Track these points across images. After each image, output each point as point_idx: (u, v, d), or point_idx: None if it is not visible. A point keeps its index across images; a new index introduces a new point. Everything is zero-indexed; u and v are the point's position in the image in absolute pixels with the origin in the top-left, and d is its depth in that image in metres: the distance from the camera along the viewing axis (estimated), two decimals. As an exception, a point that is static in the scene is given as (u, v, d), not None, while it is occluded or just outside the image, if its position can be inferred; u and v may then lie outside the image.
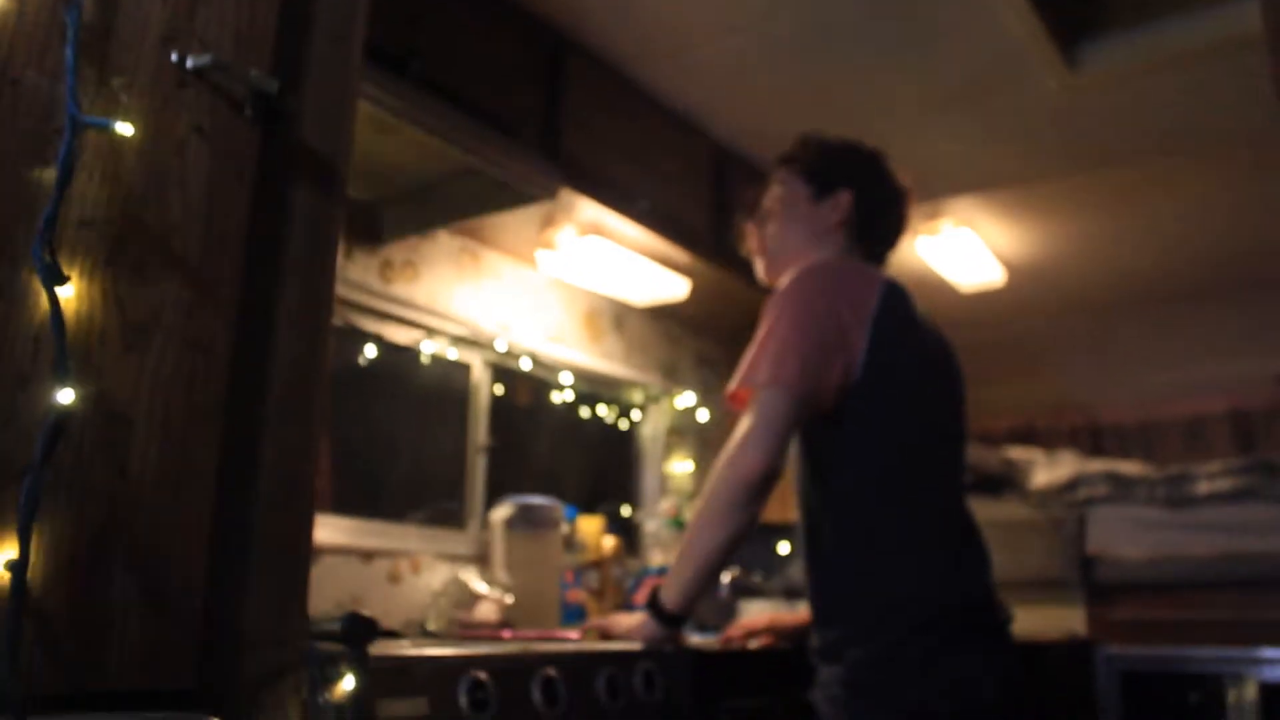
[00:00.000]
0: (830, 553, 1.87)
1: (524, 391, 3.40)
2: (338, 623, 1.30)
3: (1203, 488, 3.68)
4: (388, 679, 1.40)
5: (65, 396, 0.94)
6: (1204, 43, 2.67)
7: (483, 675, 1.53)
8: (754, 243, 2.19)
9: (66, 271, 0.99)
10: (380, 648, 1.44)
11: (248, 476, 1.18)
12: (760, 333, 1.88)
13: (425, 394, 3.03)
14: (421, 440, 3.03)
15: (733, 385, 1.89)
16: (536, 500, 2.87)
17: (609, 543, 3.21)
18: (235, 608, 1.16)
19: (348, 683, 1.27)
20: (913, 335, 1.94)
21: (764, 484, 1.77)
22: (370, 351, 2.80)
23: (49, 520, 0.97)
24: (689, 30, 2.75)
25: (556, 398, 3.47)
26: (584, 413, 3.63)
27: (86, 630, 0.99)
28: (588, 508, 3.27)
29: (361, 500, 2.74)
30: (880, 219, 2.11)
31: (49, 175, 1.00)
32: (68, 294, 1.00)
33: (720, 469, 1.80)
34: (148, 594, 1.04)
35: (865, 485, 1.84)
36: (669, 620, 1.88)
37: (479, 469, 3.11)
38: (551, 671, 1.66)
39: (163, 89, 1.12)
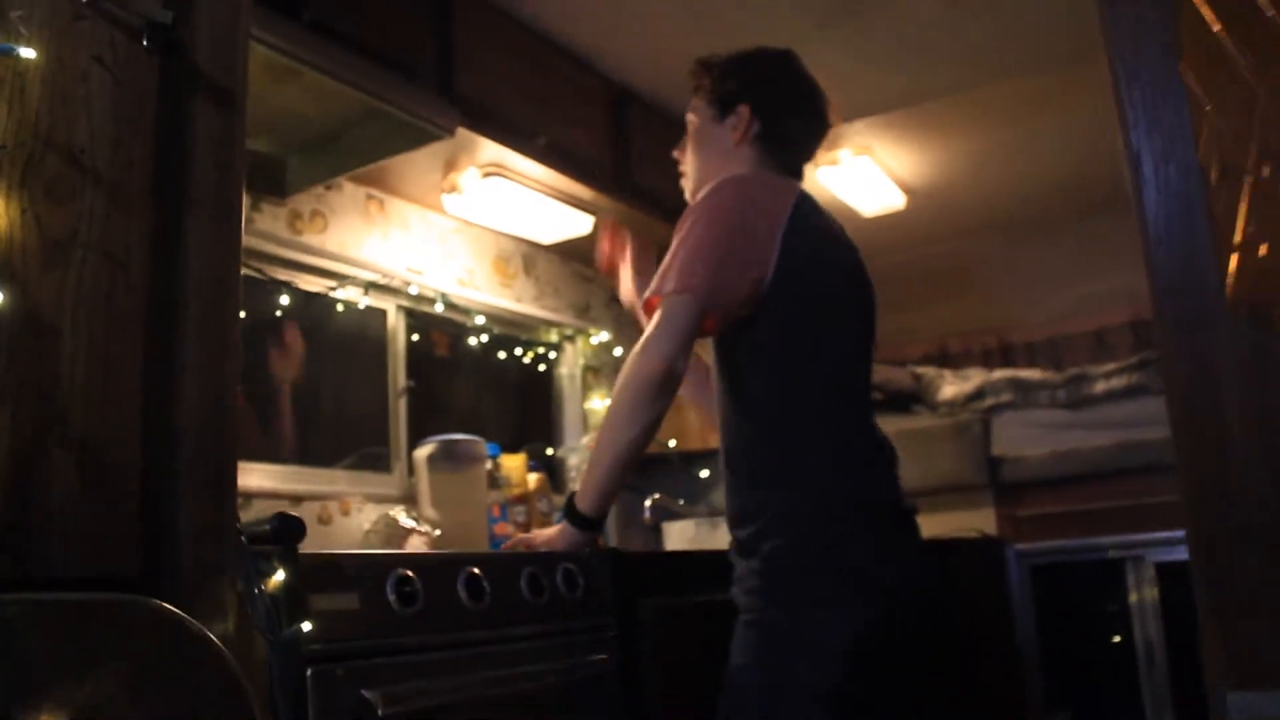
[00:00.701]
0: (745, 454, 1.95)
1: (441, 341, 3.48)
2: (268, 523, 1.39)
3: (1099, 387, 3.89)
4: (318, 576, 1.49)
5: (-5, 298, 1.02)
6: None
7: (409, 572, 1.63)
8: (681, 164, 2.24)
9: (-16, 191, 1.07)
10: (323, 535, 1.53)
11: (172, 383, 1.26)
12: (672, 244, 1.93)
13: (343, 342, 3.10)
14: (342, 387, 3.10)
15: (646, 294, 1.95)
16: (458, 437, 2.96)
17: (533, 478, 3.31)
18: (170, 505, 1.24)
19: (279, 577, 1.37)
20: (825, 246, 2.01)
21: (665, 382, 1.83)
22: (284, 300, 2.86)
23: (-12, 420, 1.05)
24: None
25: (472, 341, 3.56)
26: (501, 355, 3.72)
27: (31, 518, 1.08)
28: (512, 448, 3.37)
29: (287, 447, 2.81)
30: (786, 125, 2.11)
31: (-41, 104, 1.07)
32: (-14, 213, 1.07)
33: (624, 371, 1.87)
34: (87, 487, 1.13)
35: (777, 389, 1.92)
36: (586, 524, 1.93)
37: (401, 412, 3.20)
38: (475, 570, 1.76)
39: (60, 21, 1.19)
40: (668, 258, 1.92)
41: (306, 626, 1.37)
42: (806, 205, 1.99)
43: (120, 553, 1.17)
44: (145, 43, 1.27)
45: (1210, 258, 1.30)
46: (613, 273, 2.48)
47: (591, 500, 1.92)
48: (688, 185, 2.21)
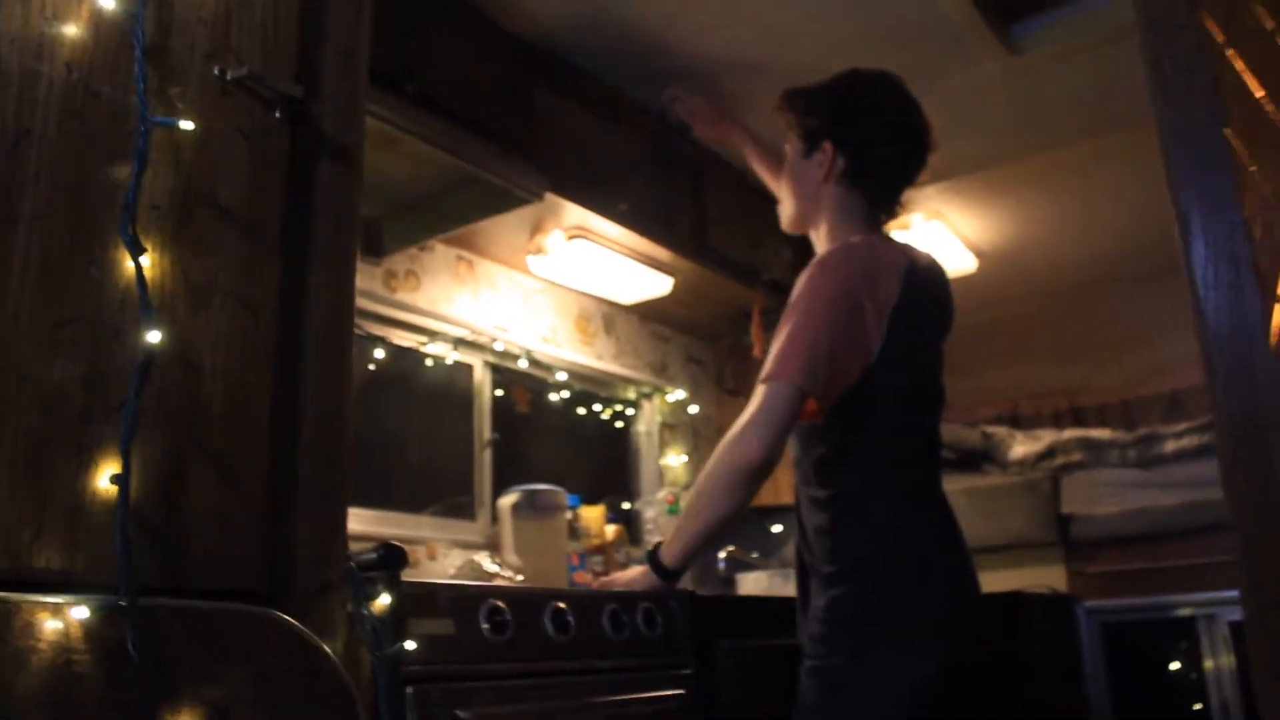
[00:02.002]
0: (819, 512, 1.99)
1: (523, 398, 3.61)
2: (374, 552, 1.52)
3: (1169, 447, 3.90)
4: (417, 601, 1.61)
5: (153, 337, 1.17)
6: (1132, 18, 2.88)
7: (501, 604, 1.75)
8: (777, 193, 2.27)
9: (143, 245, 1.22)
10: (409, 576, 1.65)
11: (294, 419, 1.40)
12: (782, 322, 1.94)
13: (432, 395, 3.25)
14: (430, 438, 3.25)
15: (761, 376, 1.93)
16: (541, 487, 3.08)
17: (611, 529, 3.41)
18: (288, 530, 1.38)
19: (384, 600, 1.49)
20: (928, 319, 2.05)
21: (762, 470, 1.86)
22: (378, 354, 3.02)
23: (141, 445, 1.19)
24: (661, 35, 2.98)
25: (554, 397, 3.69)
26: (580, 411, 3.84)
27: (176, 532, 1.21)
28: (591, 501, 3.47)
29: (378, 494, 2.95)
30: (875, 157, 2.07)
31: (125, 168, 1.23)
32: (146, 264, 1.22)
33: (724, 449, 1.89)
34: (222, 507, 1.27)
35: (862, 459, 1.96)
36: (666, 575, 2.01)
37: (485, 463, 3.33)
38: (561, 605, 1.87)
39: (209, 96, 1.35)
40: (778, 338, 1.93)
41: (410, 645, 1.50)
42: (913, 276, 1.99)
43: (247, 569, 1.31)
44: (278, 114, 1.43)
45: (1256, 309, 1.38)
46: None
47: (676, 558, 1.99)
48: (783, 213, 2.23)
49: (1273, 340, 1.37)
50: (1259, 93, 1.42)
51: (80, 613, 1.09)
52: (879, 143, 2.08)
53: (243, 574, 1.30)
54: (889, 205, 2.14)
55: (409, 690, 1.54)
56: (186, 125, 1.28)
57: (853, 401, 1.94)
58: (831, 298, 1.92)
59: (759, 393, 1.90)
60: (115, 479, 1.14)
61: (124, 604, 1.11)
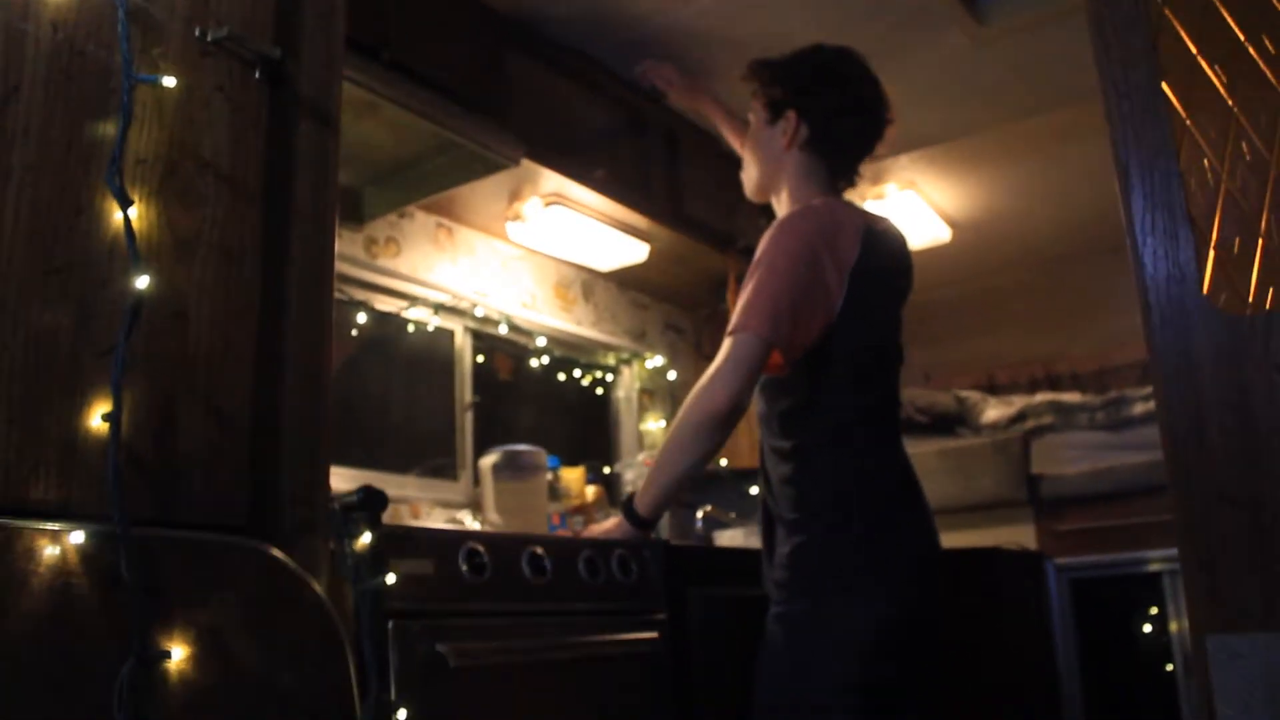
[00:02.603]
0: (782, 463, 2.07)
1: (504, 365, 3.68)
2: (356, 494, 1.59)
3: (1138, 409, 3.99)
4: (398, 542, 1.68)
5: (142, 283, 1.23)
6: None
7: (479, 546, 1.82)
8: (740, 157, 2.35)
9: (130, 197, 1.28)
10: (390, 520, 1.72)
11: (277, 364, 1.46)
12: (747, 278, 2.02)
13: (413, 359, 3.32)
14: (412, 401, 3.32)
15: (728, 329, 2.00)
16: (522, 448, 3.15)
17: (591, 490, 3.49)
18: (273, 470, 1.44)
19: (365, 539, 1.56)
20: (887, 280, 2.12)
21: (729, 417, 1.93)
22: (361, 319, 3.08)
23: (132, 386, 1.25)
24: (632, 5, 3.04)
25: (534, 363, 3.76)
26: (561, 377, 3.91)
27: (168, 466, 1.28)
28: (571, 464, 3.55)
29: (363, 455, 3.02)
30: (837, 128, 2.16)
31: (111, 124, 1.29)
32: (133, 215, 1.28)
33: (691, 399, 1.97)
34: (210, 444, 1.34)
35: (824, 413, 2.04)
36: (640, 523, 2.09)
37: (467, 425, 3.40)
38: (538, 550, 1.95)
39: (190, 57, 1.41)
40: (744, 292, 2.00)
41: (390, 579, 1.57)
42: (872, 238, 2.07)
43: (234, 506, 1.37)
44: (257, 75, 1.49)
45: (1191, 256, 1.46)
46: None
47: (648, 506, 2.07)
48: (746, 179, 2.31)
49: (1206, 286, 1.45)
50: (1194, 49, 1.49)
51: (76, 538, 1.16)
52: (840, 114, 2.17)
53: (230, 510, 1.36)
54: (848, 173, 2.22)
55: (390, 624, 1.61)
56: (169, 82, 1.34)
57: (816, 357, 2.02)
58: (794, 255, 1.99)
59: (726, 344, 1.97)
60: (107, 417, 1.21)
61: (117, 530, 1.17)
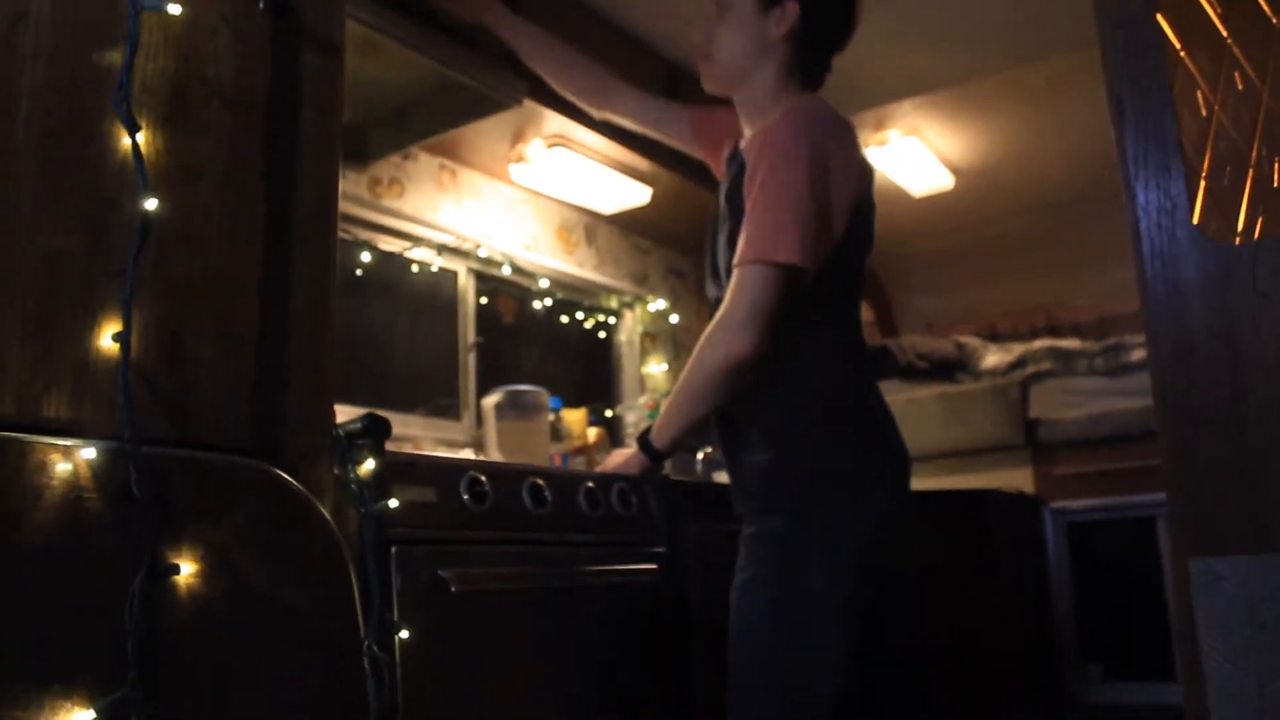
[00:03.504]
0: (756, 389, 1.93)
1: (508, 308, 3.71)
2: (360, 421, 1.62)
3: (1136, 355, 4.01)
4: (400, 470, 1.72)
5: (150, 205, 1.26)
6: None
7: (481, 476, 1.86)
8: (700, 40, 2.13)
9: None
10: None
11: (283, 291, 1.49)
12: (755, 193, 1.84)
13: (417, 299, 3.35)
14: (416, 341, 3.35)
15: (740, 256, 1.86)
16: (524, 388, 3.19)
17: (593, 432, 3.53)
18: (279, 395, 1.47)
19: (369, 465, 1.60)
20: (869, 214, 2.00)
21: (751, 364, 1.83)
22: (364, 258, 3.11)
23: (140, 309, 1.28)
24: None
25: (537, 305, 3.79)
26: (564, 320, 3.94)
27: (175, 391, 1.32)
28: (574, 406, 3.59)
29: (367, 394, 3.06)
30: (828, 26, 2.05)
31: (118, 52, 1.31)
32: (140, 140, 1.30)
33: (712, 342, 1.86)
34: (219, 366, 1.37)
35: (803, 332, 1.92)
36: (655, 455, 2.05)
37: (470, 365, 3.44)
38: (539, 481, 1.98)
39: (195, -15, 1.43)
40: (750, 209, 1.84)
41: (393, 503, 1.61)
42: (868, 178, 1.99)
43: (241, 428, 1.41)
44: (262, 5, 1.50)
45: (1182, 188, 1.48)
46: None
47: (665, 442, 2.02)
48: (711, 71, 2.13)
49: (1196, 217, 1.47)
50: (1190, -19, 1.51)
51: (88, 454, 1.19)
52: (832, 15, 2.06)
53: (238, 433, 1.40)
54: (822, 74, 2.10)
55: (393, 550, 1.65)
56: (174, 10, 1.35)
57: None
58: (807, 163, 1.83)
59: (740, 276, 1.83)
60: (117, 337, 1.24)
61: (128, 448, 1.21)
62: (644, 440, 2.08)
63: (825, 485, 1.89)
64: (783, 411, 1.93)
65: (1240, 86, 1.44)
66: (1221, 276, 1.42)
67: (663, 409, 2.03)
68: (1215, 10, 1.47)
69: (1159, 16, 1.50)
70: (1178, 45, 1.49)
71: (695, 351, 1.91)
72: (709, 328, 1.90)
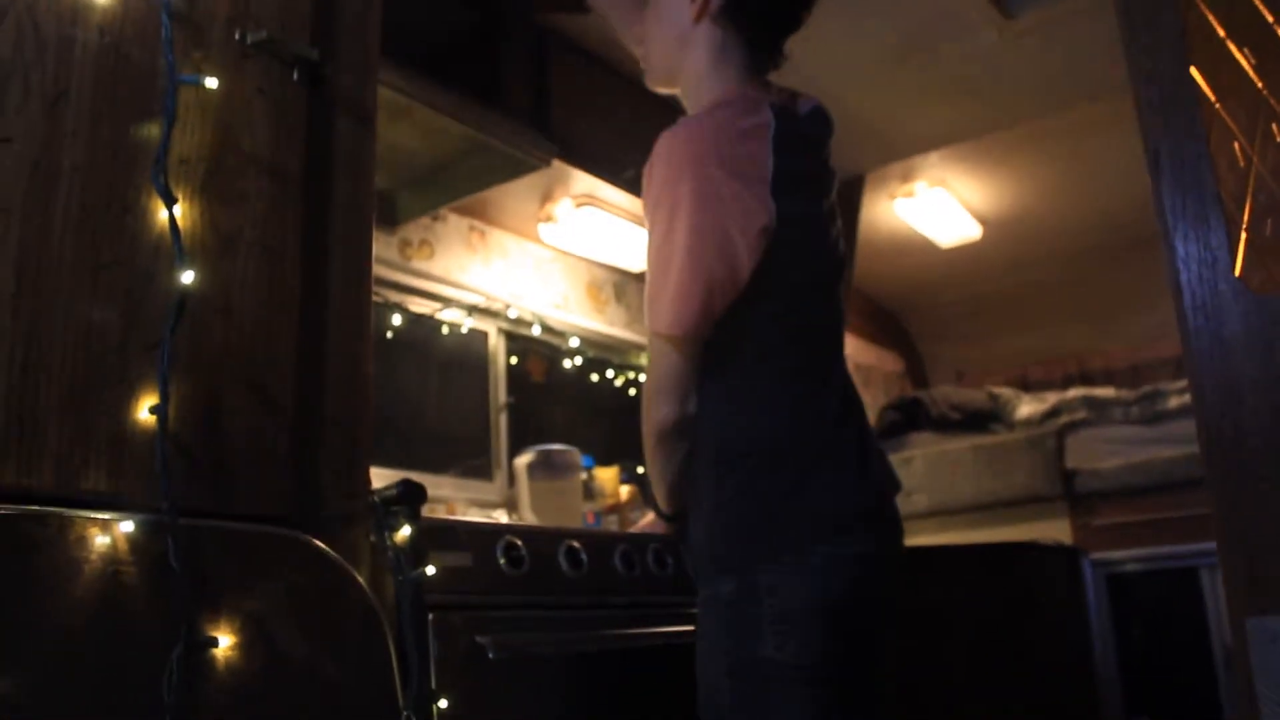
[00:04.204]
0: (708, 418, 1.72)
1: (537, 367, 3.71)
2: (395, 487, 1.62)
3: (1173, 402, 3.97)
4: (437, 535, 1.70)
5: (187, 278, 1.27)
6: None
7: (517, 540, 1.84)
8: (638, 37, 1.93)
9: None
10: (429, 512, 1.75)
11: (318, 359, 1.49)
12: (650, 231, 1.67)
13: (448, 360, 3.36)
14: (447, 402, 3.35)
15: (647, 319, 1.70)
16: (556, 447, 3.18)
17: (625, 490, 3.51)
18: (315, 463, 1.47)
19: (405, 532, 1.59)
20: (806, 181, 1.73)
21: (681, 426, 1.70)
22: (396, 320, 3.12)
23: (177, 380, 1.29)
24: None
25: (567, 364, 3.79)
26: (594, 378, 3.94)
27: (212, 462, 1.31)
28: (605, 464, 3.57)
29: (399, 456, 3.05)
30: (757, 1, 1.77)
31: (155, 125, 1.33)
32: (177, 213, 1.31)
33: (645, 414, 1.74)
34: (252, 442, 1.37)
35: (749, 350, 1.69)
36: (665, 517, 1.89)
37: (502, 426, 3.43)
38: (575, 544, 1.97)
39: (230, 59, 1.45)
40: (652, 269, 1.67)
41: (430, 570, 1.59)
42: (785, 136, 1.68)
43: (278, 497, 1.40)
44: (296, 76, 1.52)
45: (1223, 238, 1.46)
46: None
47: (660, 501, 1.86)
48: (647, 67, 1.92)
49: (1238, 269, 1.46)
50: (1221, 33, 1.50)
51: (126, 527, 1.19)
52: None
53: (274, 502, 1.39)
54: (769, 49, 1.81)
55: (430, 617, 1.63)
56: (211, 83, 1.37)
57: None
58: (703, 197, 1.61)
59: (650, 344, 1.71)
60: (154, 409, 1.24)
61: (165, 520, 1.20)
62: (653, 503, 1.96)
63: (770, 540, 1.60)
64: (715, 462, 1.68)
65: (1278, 137, 1.43)
66: (1267, 328, 1.40)
67: None
68: (1249, 61, 1.46)
69: (1193, 69, 1.49)
70: (1212, 97, 1.48)
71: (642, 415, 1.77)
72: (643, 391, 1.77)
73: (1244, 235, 1.45)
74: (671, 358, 1.67)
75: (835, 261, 1.79)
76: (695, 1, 1.75)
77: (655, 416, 1.71)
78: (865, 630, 1.63)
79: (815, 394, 1.70)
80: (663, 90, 1.93)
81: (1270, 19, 1.46)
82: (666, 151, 1.66)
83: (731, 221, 1.60)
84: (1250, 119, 1.46)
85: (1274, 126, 1.44)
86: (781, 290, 1.66)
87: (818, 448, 1.65)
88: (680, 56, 1.81)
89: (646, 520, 2.22)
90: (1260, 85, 1.46)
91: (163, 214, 1.30)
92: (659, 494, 1.86)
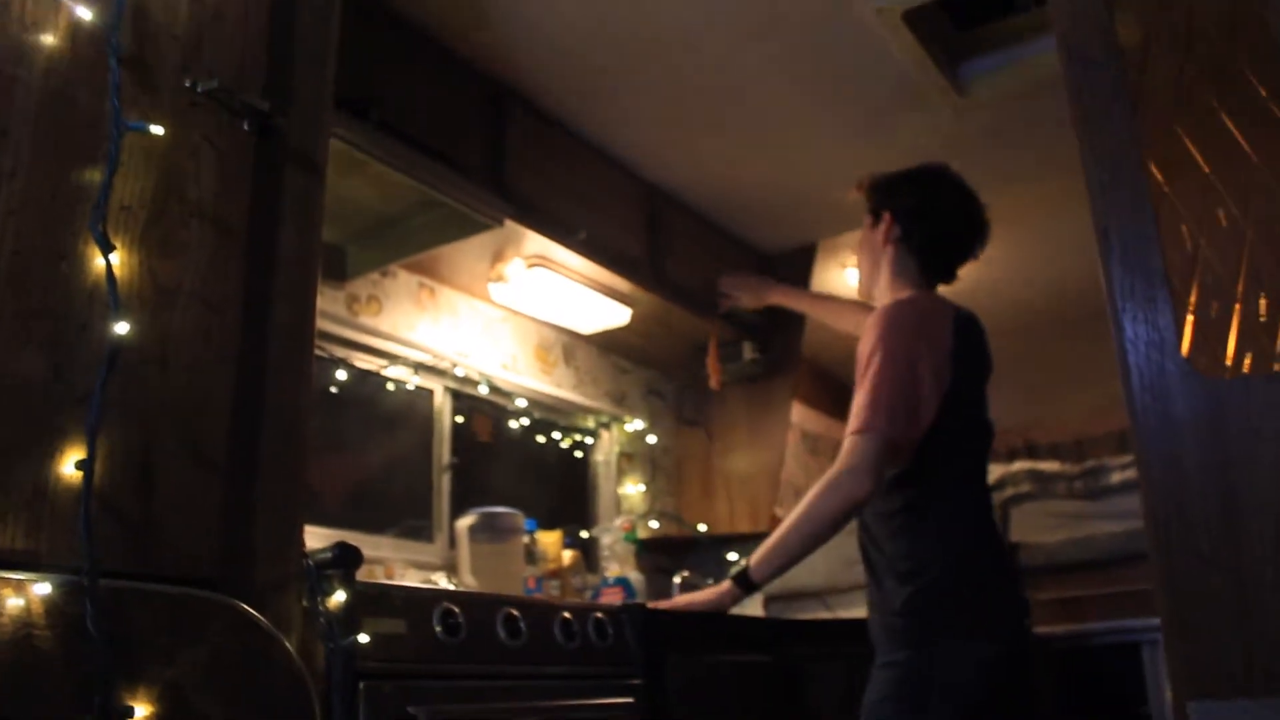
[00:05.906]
0: (885, 520, 2.23)
1: (484, 427, 3.66)
2: (330, 550, 1.57)
3: (1116, 478, 3.99)
4: (372, 600, 1.65)
5: (121, 329, 1.23)
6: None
7: (454, 607, 1.80)
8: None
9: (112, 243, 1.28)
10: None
11: (255, 417, 1.45)
12: (859, 375, 2.22)
13: (392, 418, 3.30)
14: (390, 461, 3.29)
15: (851, 427, 2.19)
16: (499, 510, 3.12)
17: (568, 554, 3.45)
18: (247, 524, 1.43)
19: (339, 597, 1.54)
20: (973, 361, 2.32)
21: (861, 507, 2.18)
22: (340, 376, 3.07)
23: (107, 435, 1.24)
24: (614, 79, 3.07)
25: (513, 425, 3.74)
26: (540, 440, 3.90)
27: (139, 521, 1.27)
28: (549, 528, 3.52)
29: (338, 514, 2.99)
30: (927, 228, 2.41)
31: (97, 171, 1.29)
32: (115, 261, 1.28)
33: (828, 488, 2.15)
34: (182, 500, 1.32)
35: (932, 482, 2.20)
36: (750, 587, 2.27)
37: (444, 487, 3.37)
38: (514, 611, 1.92)
39: (180, 107, 1.42)
40: (861, 390, 2.19)
41: (363, 639, 1.54)
42: (959, 323, 2.30)
43: (207, 559, 1.36)
44: (246, 126, 1.49)
45: (1170, 320, 1.47)
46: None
47: (765, 574, 2.24)
48: (860, 284, 2.57)
49: (1185, 349, 1.46)
50: (1171, 119, 1.52)
51: (42, 589, 1.14)
52: (931, 216, 2.42)
53: (203, 563, 1.35)
54: (940, 270, 2.44)
55: (361, 685, 1.58)
56: (157, 130, 1.34)
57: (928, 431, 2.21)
58: (900, 352, 2.20)
59: (852, 442, 2.16)
60: (80, 465, 1.19)
61: (85, 583, 1.15)
62: (743, 575, 2.27)
63: (946, 620, 2.10)
64: (911, 554, 2.18)
65: (1224, 223, 1.44)
66: (1212, 411, 1.40)
67: (765, 547, 2.23)
68: (1197, 148, 1.48)
69: (1143, 154, 1.50)
70: (1162, 181, 1.49)
71: (806, 501, 2.17)
72: (820, 482, 2.18)
73: (1190, 317, 1.46)
74: (877, 445, 2.13)
75: (988, 426, 2.38)
76: (882, 232, 2.44)
77: (852, 490, 2.12)
78: (1010, 698, 2.13)
79: (979, 524, 2.27)
80: (868, 300, 2.56)
81: (1216, 105, 1.48)
82: (886, 318, 2.25)
83: (923, 373, 2.18)
84: (1199, 202, 1.47)
85: (1220, 212, 1.45)
86: (961, 437, 2.23)
87: (984, 562, 2.21)
88: (874, 271, 2.48)
89: (715, 591, 2.34)
90: (1207, 170, 1.47)
91: (99, 262, 1.26)
92: (776, 565, 2.22)
